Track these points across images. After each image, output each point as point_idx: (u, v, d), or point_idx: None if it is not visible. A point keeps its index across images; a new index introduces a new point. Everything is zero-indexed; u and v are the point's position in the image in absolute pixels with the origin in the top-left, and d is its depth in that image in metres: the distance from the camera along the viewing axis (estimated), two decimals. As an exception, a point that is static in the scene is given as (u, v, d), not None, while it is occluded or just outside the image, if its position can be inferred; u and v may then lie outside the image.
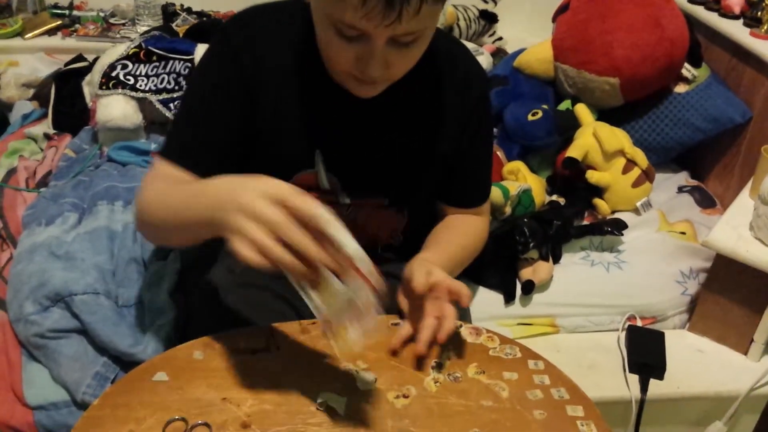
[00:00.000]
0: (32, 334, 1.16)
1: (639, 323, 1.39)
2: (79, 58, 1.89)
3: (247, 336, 1.03)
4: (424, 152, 1.08)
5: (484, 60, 1.96)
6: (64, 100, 1.73)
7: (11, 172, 1.53)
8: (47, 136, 1.66)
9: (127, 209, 1.37)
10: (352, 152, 1.04)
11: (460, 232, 1.15)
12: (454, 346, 1.03)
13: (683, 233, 1.55)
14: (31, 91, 1.86)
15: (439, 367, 1.00)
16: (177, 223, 0.87)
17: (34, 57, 2.09)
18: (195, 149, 0.98)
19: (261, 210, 0.68)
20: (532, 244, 1.35)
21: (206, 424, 0.89)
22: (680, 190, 1.75)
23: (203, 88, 1.01)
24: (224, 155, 0.99)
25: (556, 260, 1.43)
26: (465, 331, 1.07)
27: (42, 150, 1.65)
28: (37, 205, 1.39)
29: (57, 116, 1.71)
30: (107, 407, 0.91)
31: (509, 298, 1.36)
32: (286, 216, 0.67)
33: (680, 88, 1.76)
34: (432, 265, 0.97)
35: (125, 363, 1.17)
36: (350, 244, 0.70)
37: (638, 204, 1.60)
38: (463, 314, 1.30)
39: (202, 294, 1.21)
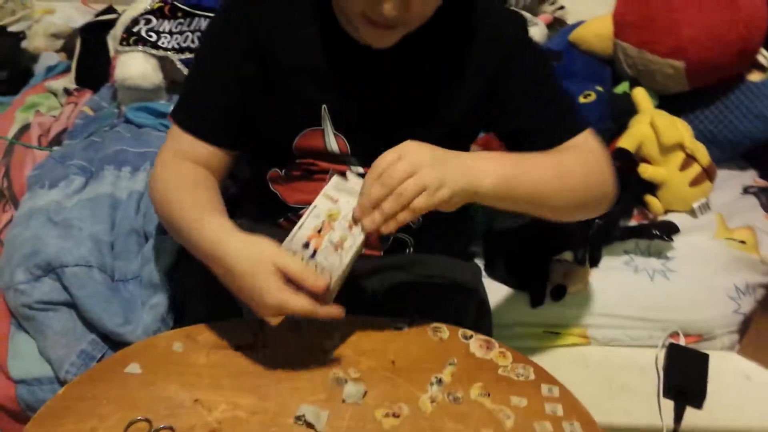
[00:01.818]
0: (21, 304, 1.11)
1: (682, 341, 1.25)
2: (110, 9, 1.81)
3: (234, 329, 0.95)
4: (442, 115, 0.98)
5: (538, 31, 1.80)
6: (91, 54, 1.66)
7: (25, 128, 1.47)
8: (67, 92, 1.59)
9: (134, 176, 1.29)
10: (362, 110, 0.97)
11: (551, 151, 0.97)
12: (459, 359, 0.93)
13: (743, 242, 1.38)
14: (61, 42, 1.80)
15: (438, 383, 0.89)
16: (186, 246, 0.96)
17: (71, 5, 2.03)
18: (209, 117, 1.00)
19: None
20: (566, 246, 1.21)
21: (170, 428, 0.81)
22: (745, 191, 1.58)
23: (215, 53, 1.00)
24: (237, 120, 1.01)
25: (594, 263, 1.29)
26: (474, 343, 0.96)
27: (62, 105, 1.58)
28: (44, 165, 1.33)
29: (81, 71, 1.64)
30: (72, 398, 0.86)
31: (536, 303, 1.23)
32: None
33: (754, 76, 1.59)
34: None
35: (115, 342, 1.10)
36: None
37: (695, 205, 1.44)
38: (484, 316, 1.19)
39: (198, 276, 1.13)
